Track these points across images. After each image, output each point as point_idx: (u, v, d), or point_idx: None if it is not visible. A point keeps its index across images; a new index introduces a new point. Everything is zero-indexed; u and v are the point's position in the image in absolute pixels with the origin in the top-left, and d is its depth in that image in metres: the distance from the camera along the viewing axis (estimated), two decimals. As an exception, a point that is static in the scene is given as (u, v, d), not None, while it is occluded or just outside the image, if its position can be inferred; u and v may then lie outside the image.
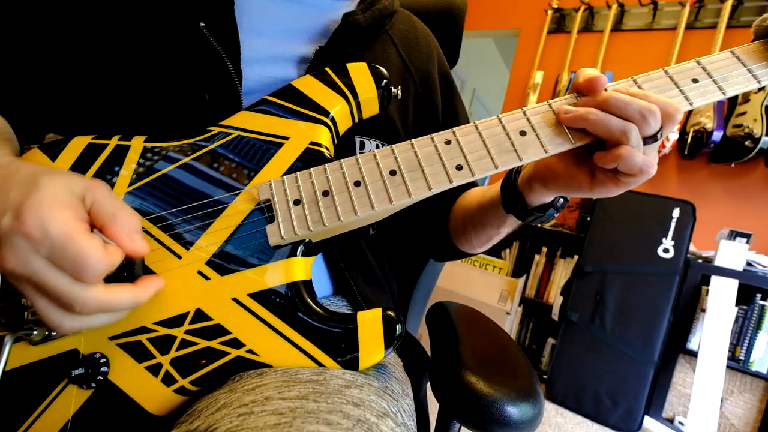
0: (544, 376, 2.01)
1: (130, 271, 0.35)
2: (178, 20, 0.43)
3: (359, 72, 0.44)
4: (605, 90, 0.38)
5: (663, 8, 2.27)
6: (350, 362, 0.36)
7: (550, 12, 2.57)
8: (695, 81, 0.38)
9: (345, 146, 0.49)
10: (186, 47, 0.43)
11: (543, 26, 2.60)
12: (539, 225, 0.46)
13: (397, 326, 0.36)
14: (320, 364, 0.36)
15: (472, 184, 0.60)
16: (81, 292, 0.29)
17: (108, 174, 0.39)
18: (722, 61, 0.38)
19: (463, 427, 0.42)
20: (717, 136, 1.96)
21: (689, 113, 2.10)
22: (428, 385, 0.44)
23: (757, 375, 1.66)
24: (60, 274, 0.28)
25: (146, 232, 0.38)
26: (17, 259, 0.28)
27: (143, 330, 0.36)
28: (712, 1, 2.14)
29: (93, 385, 0.35)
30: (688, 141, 2.05)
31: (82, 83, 0.43)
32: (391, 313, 0.37)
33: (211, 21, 0.43)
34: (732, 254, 1.73)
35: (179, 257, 0.37)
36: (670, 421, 1.80)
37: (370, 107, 0.45)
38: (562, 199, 0.44)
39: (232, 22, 0.44)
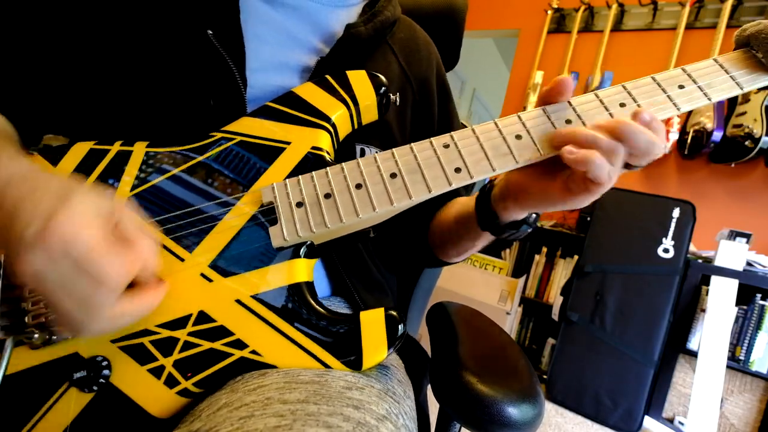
0: (544, 376, 2.01)
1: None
2: (186, 27, 0.44)
3: (359, 79, 0.45)
4: (569, 102, 0.39)
5: (663, 8, 2.27)
6: (353, 362, 0.36)
7: (550, 12, 2.57)
8: (681, 87, 0.39)
9: (345, 153, 0.49)
10: (193, 54, 0.44)
11: (543, 26, 2.60)
12: (511, 239, 0.49)
13: (400, 326, 0.37)
14: (324, 364, 0.36)
15: (455, 195, 0.61)
16: (105, 297, 0.29)
17: (110, 179, 0.40)
18: (706, 68, 0.40)
19: (463, 428, 0.42)
20: (717, 136, 1.96)
21: (689, 113, 2.10)
22: (428, 385, 0.45)
23: (757, 375, 1.66)
24: (68, 295, 0.29)
25: None
26: (33, 270, 0.28)
27: (145, 332, 0.36)
28: (712, 1, 2.14)
29: (95, 388, 0.35)
30: (688, 141, 2.05)
31: (90, 87, 0.43)
32: (394, 313, 0.37)
33: (218, 29, 0.44)
34: (732, 254, 1.73)
35: (182, 260, 0.38)
36: (670, 421, 1.80)
37: (370, 113, 0.46)
38: (534, 215, 0.46)
39: (238, 30, 0.44)
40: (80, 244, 0.28)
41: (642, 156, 0.36)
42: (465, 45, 0.78)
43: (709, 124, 1.97)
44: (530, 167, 0.40)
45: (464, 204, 0.53)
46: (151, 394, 0.35)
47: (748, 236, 1.76)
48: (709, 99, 0.39)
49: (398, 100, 0.45)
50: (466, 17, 0.73)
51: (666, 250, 1.82)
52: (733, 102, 1.98)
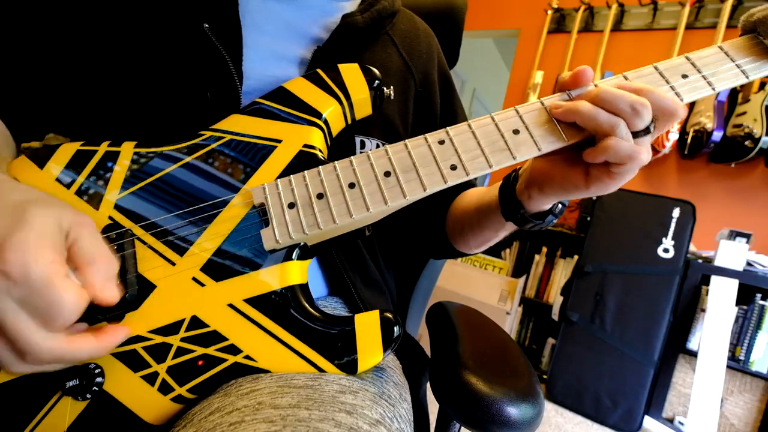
0: (544, 376, 2.01)
1: (104, 312, 0.34)
2: (182, 21, 0.44)
3: (351, 72, 0.44)
4: (594, 84, 0.38)
5: (663, 8, 2.26)
6: (348, 365, 0.36)
7: (550, 12, 2.57)
8: (685, 76, 0.38)
9: (345, 145, 0.49)
10: (189, 48, 0.43)
11: (543, 26, 2.60)
12: (534, 230, 0.46)
13: (395, 328, 0.36)
14: (318, 368, 0.36)
15: (470, 185, 0.60)
16: (41, 341, 0.27)
17: (98, 180, 0.39)
18: (711, 56, 0.39)
19: (462, 428, 0.42)
20: (717, 136, 1.96)
21: (689, 113, 2.10)
22: (428, 385, 0.44)
23: (757, 375, 1.66)
24: (26, 319, 0.27)
25: (139, 239, 0.37)
26: None
27: (138, 339, 0.35)
28: (712, 1, 2.14)
29: (88, 396, 0.34)
30: (688, 141, 2.05)
31: (85, 83, 0.43)
32: (389, 315, 0.37)
33: (214, 22, 0.43)
34: (732, 254, 1.73)
35: (173, 264, 0.37)
36: (670, 421, 1.80)
37: (363, 108, 0.45)
38: (560, 205, 0.44)
39: (236, 21, 0.44)
40: (37, 269, 0.26)
41: (637, 117, 0.35)
42: (465, 45, 0.78)
43: (709, 124, 1.97)
44: (554, 154, 0.39)
45: (485, 193, 0.51)
46: (145, 401, 0.35)
47: (748, 236, 1.75)
48: (714, 89, 0.38)
49: (392, 93, 0.44)
50: (465, 17, 0.73)
51: (666, 250, 1.82)
52: (733, 102, 1.98)
